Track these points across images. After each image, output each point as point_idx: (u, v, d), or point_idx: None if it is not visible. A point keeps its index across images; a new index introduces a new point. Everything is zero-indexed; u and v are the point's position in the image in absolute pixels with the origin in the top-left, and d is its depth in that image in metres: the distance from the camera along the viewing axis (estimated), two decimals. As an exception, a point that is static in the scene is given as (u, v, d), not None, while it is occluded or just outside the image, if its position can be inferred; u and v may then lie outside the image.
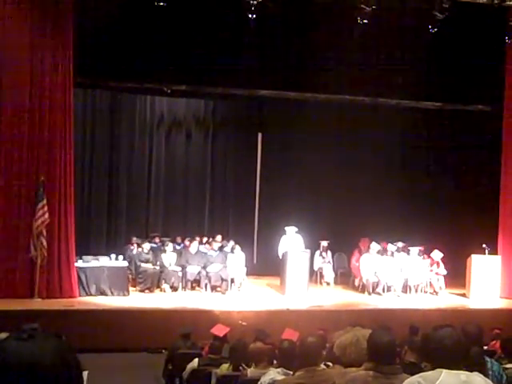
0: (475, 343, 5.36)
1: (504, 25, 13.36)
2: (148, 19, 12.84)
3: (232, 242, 14.15)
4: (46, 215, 11.36)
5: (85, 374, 2.32)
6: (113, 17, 12.69)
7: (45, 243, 11.40)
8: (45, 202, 11.36)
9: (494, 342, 7.83)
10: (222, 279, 13.06)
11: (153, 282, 12.87)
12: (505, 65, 13.80)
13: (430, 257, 13.92)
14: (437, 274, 13.76)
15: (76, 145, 12.81)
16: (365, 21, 13.02)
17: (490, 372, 5.04)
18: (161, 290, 12.92)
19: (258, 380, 5.08)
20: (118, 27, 12.68)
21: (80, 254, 12.49)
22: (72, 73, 11.88)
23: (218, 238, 14.45)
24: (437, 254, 13.80)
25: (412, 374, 3.04)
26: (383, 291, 13.48)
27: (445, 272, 13.77)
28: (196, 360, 7.08)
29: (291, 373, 4.85)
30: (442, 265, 13.82)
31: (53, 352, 1.57)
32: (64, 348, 1.60)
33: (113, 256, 12.73)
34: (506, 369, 5.52)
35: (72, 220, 11.98)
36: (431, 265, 13.84)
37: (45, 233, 11.41)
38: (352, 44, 13.71)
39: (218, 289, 13.12)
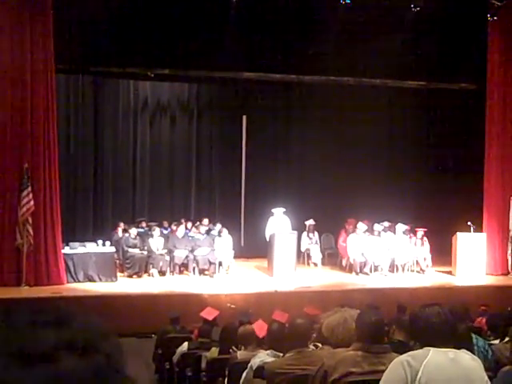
0: (461, 321, 5.43)
1: (486, 2, 13.39)
2: (130, 3, 12.72)
3: (219, 225, 14.17)
4: (31, 203, 11.30)
5: None
6: (94, 1, 12.57)
7: (31, 231, 11.36)
8: (29, 189, 11.30)
9: (480, 318, 7.91)
10: (210, 262, 13.08)
11: (140, 267, 12.86)
12: (487, 42, 13.83)
13: (415, 235, 14.02)
14: (424, 250, 13.85)
15: (60, 131, 12.71)
16: (347, 1, 13.00)
17: (476, 348, 5.10)
18: (149, 275, 12.91)
19: (248, 362, 5.11)
20: (99, 12, 12.53)
21: (67, 240, 12.46)
22: (53, 59, 11.76)
23: (205, 221, 14.46)
24: (420, 233, 13.94)
25: (401, 353, 3.07)
26: (370, 271, 13.57)
27: (428, 247, 13.87)
28: (186, 344, 7.11)
29: (281, 354, 4.88)
30: (426, 242, 13.92)
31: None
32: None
33: (100, 242, 12.71)
34: (492, 345, 5.59)
35: (58, 207, 11.92)
36: (416, 244, 13.94)
37: (30, 220, 11.36)
38: (335, 24, 13.68)
39: (206, 272, 13.14)
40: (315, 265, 14.51)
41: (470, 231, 13.47)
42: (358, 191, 15.72)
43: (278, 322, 5.61)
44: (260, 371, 4.70)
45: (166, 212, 15.53)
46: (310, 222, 14.71)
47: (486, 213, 13.93)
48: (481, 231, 13.70)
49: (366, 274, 13.51)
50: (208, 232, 13.99)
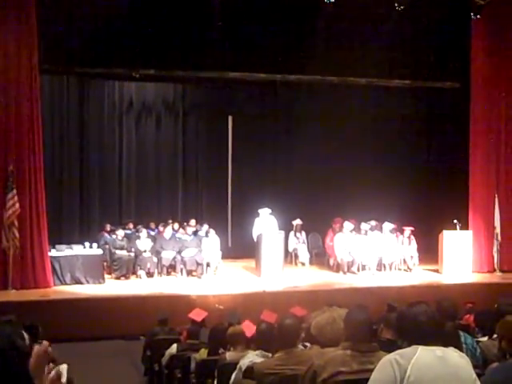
0: (450, 318, 5.45)
1: (469, 1, 13.47)
2: (114, 4, 12.66)
3: (206, 226, 14.17)
4: (17, 205, 11.22)
5: (64, 367, 2.42)
6: (78, 2, 12.50)
7: (17, 234, 11.29)
8: (15, 192, 11.23)
9: (467, 316, 7.94)
10: (198, 263, 13.07)
11: (128, 268, 12.82)
12: (471, 41, 13.91)
13: (402, 234, 14.08)
14: (411, 248, 13.91)
15: (45, 132, 12.64)
16: (332, 0, 13.04)
17: (464, 345, 5.12)
18: (136, 277, 12.88)
19: (237, 363, 5.10)
20: (84, 12, 12.48)
21: (53, 243, 12.39)
22: (38, 60, 11.69)
23: (192, 222, 14.44)
24: (407, 231, 14.00)
25: (389, 351, 3.07)
26: (358, 270, 13.61)
27: (415, 245, 13.94)
28: (174, 345, 7.09)
29: (270, 355, 4.88)
30: (413, 241, 13.99)
31: (4, 337, 1.88)
32: (15, 334, 1.91)
33: (87, 244, 12.65)
34: (480, 342, 5.62)
35: (43, 209, 11.85)
36: (403, 242, 13.99)
37: (16, 223, 11.28)
38: (320, 23, 13.71)
39: (194, 273, 13.13)
40: (303, 264, 14.54)
41: (456, 229, 13.54)
42: (345, 190, 15.76)
43: (266, 323, 5.61)
44: (249, 372, 4.70)
45: (152, 213, 15.50)
46: (297, 222, 14.74)
47: (471, 210, 14.00)
48: (467, 229, 13.78)
49: (354, 273, 13.55)
50: (195, 233, 13.97)
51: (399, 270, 13.96)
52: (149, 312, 9.99)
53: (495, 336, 5.27)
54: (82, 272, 12.07)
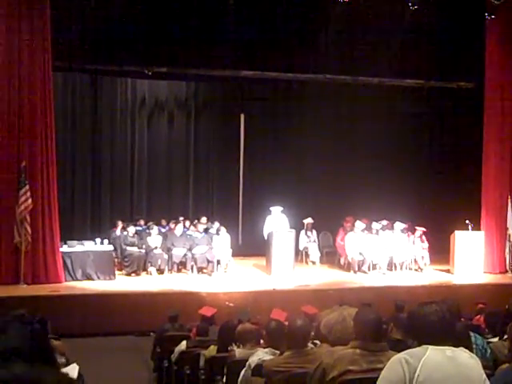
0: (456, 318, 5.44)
1: (484, 1, 13.39)
2: (128, 1, 12.70)
3: (217, 224, 14.16)
4: (29, 201, 11.29)
5: (75, 367, 2.44)
6: (91, -1, 12.56)
7: (29, 229, 11.35)
8: (27, 187, 11.28)
9: (478, 316, 7.92)
10: (208, 261, 13.08)
11: (139, 265, 12.85)
12: (485, 41, 13.83)
13: (414, 234, 14.03)
14: (422, 248, 13.85)
15: (57, 129, 12.69)
16: (346, -1, 13.01)
17: (474, 346, 5.11)
18: (147, 273, 12.91)
19: (247, 360, 5.11)
20: (97, 9, 12.52)
21: (64, 238, 12.45)
22: (51, 56, 11.74)
23: (203, 219, 14.45)
24: (418, 231, 13.95)
25: (398, 351, 3.06)
26: (369, 269, 13.57)
27: (427, 245, 13.89)
28: (184, 342, 7.10)
29: (279, 352, 4.88)
30: (425, 241, 13.94)
31: (28, 338, 1.72)
32: (39, 334, 1.84)
33: (98, 240, 12.71)
34: (491, 343, 5.60)
35: (55, 205, 11.91)
36: (414, 242, 13.93)
37: (28, 219, 11.35)
38: (333, 23, 13.68)
39: (204, 270, 13.15)
40: (313, 263, 14.51)
41: (468, 229, 13.47)
42: (357, 189, 15.73)
43: (276, 321, 5.60)
44: (258, 369, 4.70)
45: (164, 210, 15.53)
46: (309, 221, 14.71)
47: (484, 211, 13.93)
48: (479, 229, 13.70)
49: (364, 272, 13.52)
50: (206, 230, 13.98)
51: (410, 269, 13.91)
52: (159, 309, 10.03)
53: (506, 337, 5.25)
54: (93, 268, 12.13)
